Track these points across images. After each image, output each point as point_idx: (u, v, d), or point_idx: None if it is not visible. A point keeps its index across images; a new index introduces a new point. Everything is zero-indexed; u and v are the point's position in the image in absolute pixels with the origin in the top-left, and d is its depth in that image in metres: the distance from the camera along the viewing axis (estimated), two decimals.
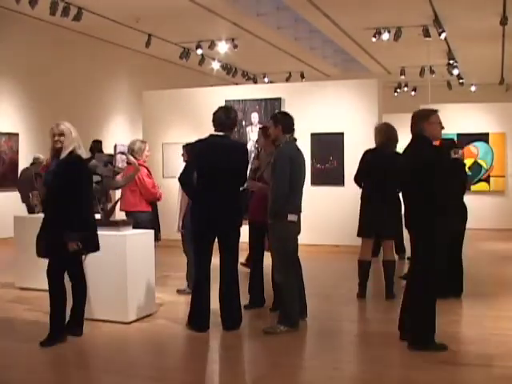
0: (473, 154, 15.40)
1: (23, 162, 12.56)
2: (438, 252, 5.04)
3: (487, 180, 15.48)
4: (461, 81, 19.16)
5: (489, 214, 14.96)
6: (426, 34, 13.48)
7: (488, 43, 15.15)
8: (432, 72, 17.01)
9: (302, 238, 5.98)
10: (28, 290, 7.46)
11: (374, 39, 14.04)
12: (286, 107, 11.02)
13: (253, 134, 11.76)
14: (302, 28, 14.42)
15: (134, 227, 6.48)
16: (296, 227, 5.80)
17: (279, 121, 5.86)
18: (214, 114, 5.89)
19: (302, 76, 18.80)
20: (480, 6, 12.14)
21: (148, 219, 7.35)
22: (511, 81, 20.17)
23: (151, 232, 6.58)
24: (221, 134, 5.83)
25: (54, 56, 13.68)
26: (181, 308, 6.67)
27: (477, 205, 13.03)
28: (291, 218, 5.67)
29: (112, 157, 6.44)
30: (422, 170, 5.03)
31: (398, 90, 21.10)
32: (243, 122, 11.78)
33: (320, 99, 11.55)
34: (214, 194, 5.70)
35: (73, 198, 5.19)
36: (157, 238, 7.07)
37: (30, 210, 9.51)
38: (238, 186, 5.89)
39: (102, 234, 6.13)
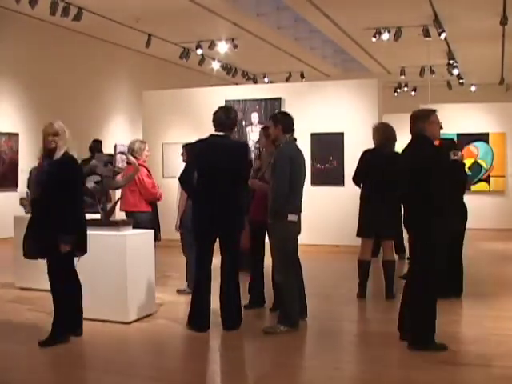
0: (473, 153, 15.40)
1: (23, 162, 12.56)
2: (437, 252, 5.04)
3: (487, 180, 15.48)
4: (461, 81, 19.17)
5: (489, 213, 14.96)
6: (426, 34, 13.48)
7: (488, 43, 15.16)
8: (432, 72, 17.02)
9: (302, 238, 5.98)
10: (28, 290, 7.46)
11: (374, 39, 14.04)
12: (286, 107, 11.02)
13: (253, 134, 11.76)
14: (302, 28, 14.43)
15: (134, 227, 6.47)
16: (296, 227, 5.80)
17: (279, 121, 5.86)
18: (214, 113, 5.89)
19: (302, 76, 18.80)
20: (480, 5, 12.15)
21: (148, 219, 7.35)
22: (511, 81, 20.18)
23: (151, 232, 6.58)
24: (221, 134, 5.83)
25: (54, 56, 13.68)
26: (181, 308, 6.67)
27: (477, 205, 13.02)
28: (291, 217, 5.67)
29: (112, 157, 6.44)
30: (421, 169, 5.04)
31: (398, 90, 21.10)
32: (243, 122, 11.78)
33: (320, 99, 11.56)
34: (215, 194, 5.70)
35: (67, 199, 5.16)
36: (157, 237, 7.07)
37: None
38: (238, 186, 5.88)
39: (102, 233, 6.15)
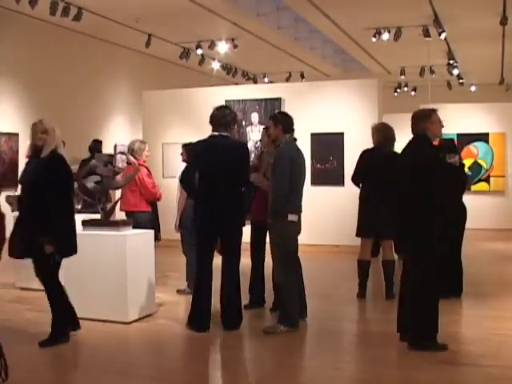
0: (473, 153, 15.40)
1: (23, 162, 12.53)
2: (437, 252, 5.05)
3: (487, 180, 15.48)
4: (461, 81, 19.16)
5: (489, 213, 14.96)
6: (426, 34, 13.48)
7: (488, 43, 15.15)
8: (432, 72, 17.01)
9: (302, 238, 5.99)
10: (28, 290, 7.45)
11: (374, 39, 14.04)
12: (286, 107, 11.02)
13: (253, 134, 11.76)
14: (302, 28, 14.43)
15: (134, 227, 6.47)
16: (296, 227, 5.80)
17: (279, 121, 5.86)
18: (211, 114, 5.91)
19: (302, 76, 18.79)
20: (480, 5, 12.14)
21: (148, 219, 7.35)
22: (511, 81, 20.17)
23: (151, 232, 6.58)
24: (222, 133, 5.82)
25: (54, 56, 13.68)
26: (181, 308, 6.68)
27: (477, 205, 13.05)
28: (291, 217, 5.67)
29: (112, 157, 6.44)
30: (423, 169, 5.04)
31: (398, 90, 21.10)
32: (243, 122, 11.78)
33: (320, 99, 11.56)
34: (215, 194, 5.70)
35: (52, 199, 5.08)
36: (157, 237, 7.07)
37: None
38: (239, 186, 5.88)
39: (102, 233, 6.15)
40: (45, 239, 5.06)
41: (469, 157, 15.03)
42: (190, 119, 12.06)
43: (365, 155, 7.12)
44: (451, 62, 16.69)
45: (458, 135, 14.47)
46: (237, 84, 18.13)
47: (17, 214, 5.50)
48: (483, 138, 15.42)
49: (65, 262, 5.51)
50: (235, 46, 15.01)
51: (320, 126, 11.36)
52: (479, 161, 15.47)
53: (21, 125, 13.13)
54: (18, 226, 5.27)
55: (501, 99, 17.70)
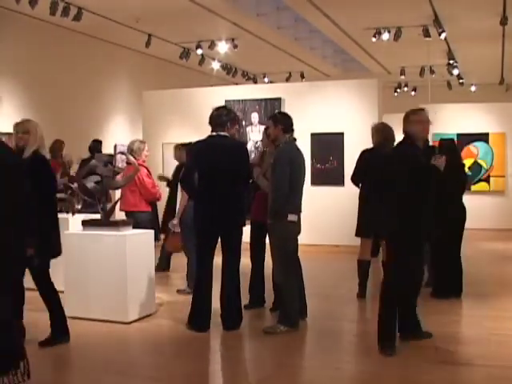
0: (473, 153, 15.40)
1: None
2: (412, 253, 5.07)
3: (487, 180, 15.48)
4: (461, 81, 19.15)
5: (489, 213, 14.96)
6: (426, 34, 13.46)
7: (488, 43, 15.14)
8: (432, 72, 17.00)
9: (302, 238, 5.99)
10: (28, 290, 7.42)
11: (374, 39, 14.02)
12: (286, 107, 11.03)
13: (253, 134, 11.76)
14: (302, 28, 14.41)
15: (134, 227, 6.48)
16: (296, 227, 5.80)
17: (279, 121, 5.86)
18: (209, 115, 5.92)
19: (302, 76, 18.78)
20: (480, 5, 12.13)
21: (148, 219, 7.36)
22: (511, 81, 20.15)
23: (151, 232, 6.58)
24: (220, 133, 5.82)
25: (54, 56, 13.67)
26: (181, 308, 6.67)
27: (477, 205, 13.04)
28: (291, 218, 5.67)
29: (112, 157, 6.45)
30: (395, 170, 5.06)
31: (398, 90, 21.08)
32: (243, 122, 11.77)
33: (320, 99, 11.56)
34: (215, 194, 5.70)
35: (33, 200, 4.86)
36: (157, 238, 7.08)
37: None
38: (238, 186, 5.88)
39: (102, 233, 6.15)
40: (28, 240, 4.99)
41: (469, 157, 15.03)
42: (189, 119, 12.06)
43: (364, 155, 7.12)
44: (451, 62, 16.68)
45: (458, 135, 14.46)
46: (237, 84, 18.13)
47: None
48: (483, 137, 15.42)
49: (65, 262, 5.51)
50: (235, 46, 15.00)
51: (320, 126, 11.36)
52: (479, 161, 15.47)
53: None
54: None
55: (501, 99, 17.69)
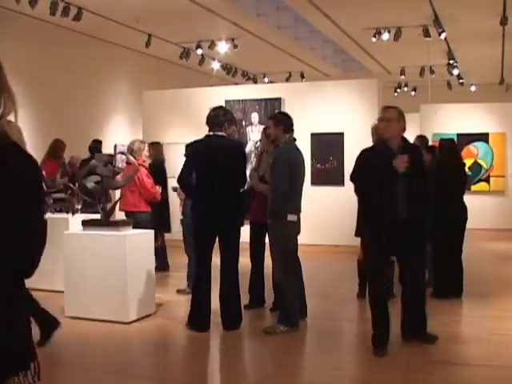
0: (473, 153, 15.40)
1: None
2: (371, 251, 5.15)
3: (487, 180, 15.48)
4: (461, 81, 19.15)
5: (489, 213, 14.96)
6: (426, 34, 13.47)
7: (488, 43, 15.14)
8: (432, 72, 17.00)
9: (302, 238, 5.99)
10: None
11: (374, 39, 14.02)
12: (286, 107, 11.02)
13: (253, 134, 11.76)
14: (302, 28, 14.41)
15: (134, 227, 6.48)
16: (296, 227, 5.80)
17: (280, 121, 5.86)
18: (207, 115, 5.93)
19: (302, 76, 18.78)
20: (480, 5, 12.13)
21: (148, 219, 7.36)
22: (511, 81, 20.15)
23: (151, 232, 6.58)
24: (217, 133, 5.82)
25: (54, 56, 13.67)
26: (181, 308, 6.67)
27: (477, 205, 13.03)
28: (291, 218, 5.67)
29: (112, 157, 6.45)
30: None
31: (398, 90, 21.08)
32: (243, 122, 11.78)
33: (320, 99, 11.56)
34: (213, 194, 5.70)
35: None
36: (157, 238, 7.07)
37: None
38: (236, 186, 5.88)
39: (102, 233, 6.15)
40: None
41: (469, 157, 15.02)
42: (190, 119, 12.06)
43: (364, 154, 7.11)
44: (451, 61, 16.68)
45: (458, 135, 14.46)
46: (237, 84, 18.13)
47: None
48: (483, 138, 15.42)
49: (65, 262, 5.51)
50: (235, 46, 15.00)
51: (320, 126, 11.36)
52: (479, 161, 15.47)
53: (21, 125, 13.05)
54: None
55: (501, 99, 17.68)
